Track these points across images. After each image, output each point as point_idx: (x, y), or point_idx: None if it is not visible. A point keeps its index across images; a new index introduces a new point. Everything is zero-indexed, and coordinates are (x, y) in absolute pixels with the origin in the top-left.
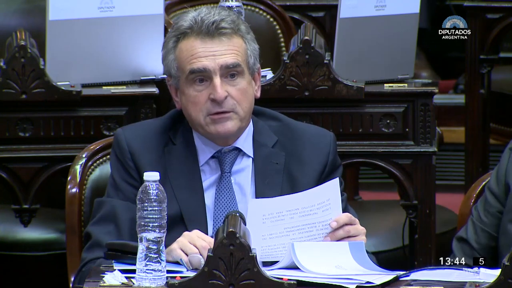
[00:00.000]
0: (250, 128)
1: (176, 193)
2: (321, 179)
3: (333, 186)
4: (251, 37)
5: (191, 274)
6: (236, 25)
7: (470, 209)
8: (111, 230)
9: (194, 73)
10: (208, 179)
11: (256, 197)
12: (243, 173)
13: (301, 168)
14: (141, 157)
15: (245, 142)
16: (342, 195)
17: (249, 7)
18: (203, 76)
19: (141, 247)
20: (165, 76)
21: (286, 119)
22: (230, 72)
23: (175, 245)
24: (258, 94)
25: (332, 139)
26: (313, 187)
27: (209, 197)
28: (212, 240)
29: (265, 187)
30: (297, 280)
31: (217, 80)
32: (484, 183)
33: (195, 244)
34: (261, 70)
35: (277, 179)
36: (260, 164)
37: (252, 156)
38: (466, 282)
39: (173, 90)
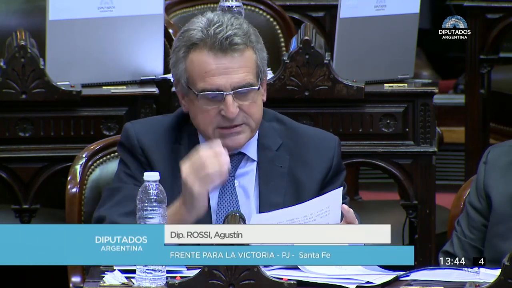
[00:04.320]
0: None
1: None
2: (324, 183)
3: (335, 196)
4: (261, 46)
5: (191, 274)
6: (248, 37)
7: (461, 208)
8: (131, 211)
9: (206, 91)
10: None
11: (260, 200)
12: (247, 177)
13: (305, 171)
14: (153, 154)
15: (250, 147)
16: (344, 198)
17: (249, 7)
18: (215, 94)
19: None
20: (165, 76)
21: (290, 122)
22: (242, 91)
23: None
24: (265, 98)
25: (337, 143)
26: (317, 189)
27: (212, 200)
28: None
29: (269, 190)
30: (297, 280)
31: (229, 98)
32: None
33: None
34: None
35: (281, 182)
36: (264, 167)
37: (257, 160)
38: (466, 282)
39: (180, 95)
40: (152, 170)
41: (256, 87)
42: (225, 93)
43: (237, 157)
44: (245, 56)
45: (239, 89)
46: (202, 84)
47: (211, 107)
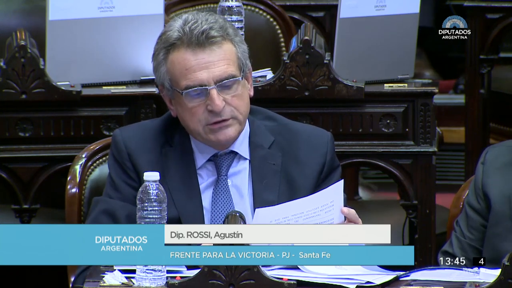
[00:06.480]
0: (246, 130)
1: (173, 195)
2: (320, 180)
3: (337, 189)
4: (240, 38)
5: (191, 274)
6: (224, 30)
7: (460, 208)
8: None
9: (190, 88)
10: (205, 182)
11: (254, 199)
12: (240, 175)
13: (298, 168)
14: (139, 158)
15: (242, 145)
16: None
17: (249, 7)
18: (199, 90)
19: None
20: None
21: (282, 119)
22: (225, 83)
23: None
24: (252, 93)
25: (329, 139)
26: (312, 187)
27: (206, 200)
28: None
29: (262, 189)
30: (297, 280)
31: (213, 92)
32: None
33: None
34: (261, 70)
35: (274, 180)
36: (256, 165)
37: (249, 158)
38: (466, 282)
39: (167, 99)
40: (138, 175)
41: (239, 78)
42: (208, 87)
43: (229, 156)
44: (224, 48)
45: (222, 82)
46: (184, 82)
47: (198, 104)
